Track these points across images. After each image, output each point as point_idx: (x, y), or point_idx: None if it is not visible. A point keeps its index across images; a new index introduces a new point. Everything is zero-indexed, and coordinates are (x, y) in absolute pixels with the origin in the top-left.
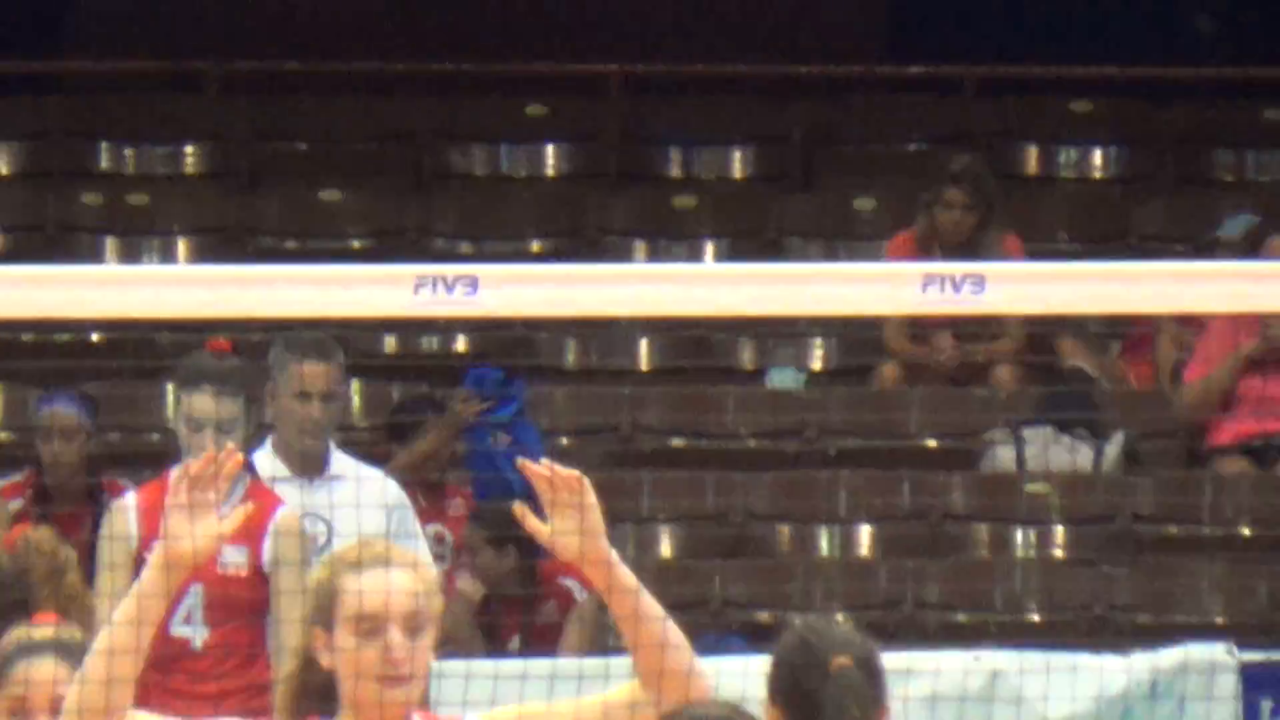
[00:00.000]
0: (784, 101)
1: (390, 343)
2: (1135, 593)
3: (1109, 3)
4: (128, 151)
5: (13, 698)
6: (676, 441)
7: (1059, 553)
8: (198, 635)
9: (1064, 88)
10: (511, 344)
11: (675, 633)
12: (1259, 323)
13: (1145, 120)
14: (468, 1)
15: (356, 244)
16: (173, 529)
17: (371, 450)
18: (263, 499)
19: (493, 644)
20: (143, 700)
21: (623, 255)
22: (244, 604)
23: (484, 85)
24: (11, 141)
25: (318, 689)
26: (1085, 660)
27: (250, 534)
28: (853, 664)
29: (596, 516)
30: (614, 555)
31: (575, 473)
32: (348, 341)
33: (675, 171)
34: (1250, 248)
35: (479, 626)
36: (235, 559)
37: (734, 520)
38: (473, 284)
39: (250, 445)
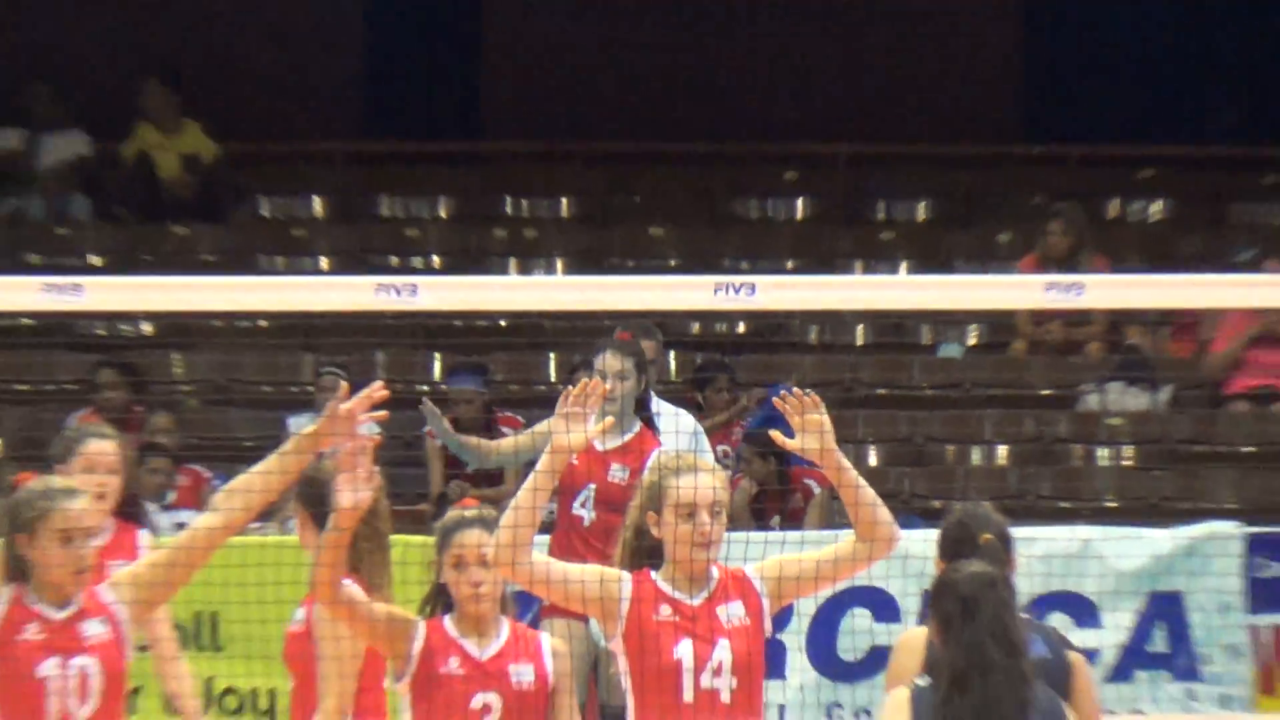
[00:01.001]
0: (951, 168)
1: (695, 326)
2: (1176, 489)
3: (1168, 101)
4: (524, 202)
5: (454, 555)
6: (880, 391)
7: (1127, 463)
8: (587, 516)
9: (1132, 161)
10: (774, 328)
11: (882, 509)
12: (1260, 314)
13: (1187, 182)
14: (748, 102)
15: (672, 263)
16: (556, 427)
17: (682, 396)
18: (645, 437)
19: (760, 522)
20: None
21: (845, 271)
22: (619, 501)
23: (756, 158)
24: (446, 196)
25: (647, 551)
26: (1144, 532)
27: (632, 457)
28: (993, 536)
29: (830, 433)
30: (843, 459)
31: (814, 395)
32: (665, 326)
33: (880, 216)
34: (1254, 268)
35: (752, 511)
36: (620, 473)
37: (916, 442)
38: (751, 289)
39: (640, 394)
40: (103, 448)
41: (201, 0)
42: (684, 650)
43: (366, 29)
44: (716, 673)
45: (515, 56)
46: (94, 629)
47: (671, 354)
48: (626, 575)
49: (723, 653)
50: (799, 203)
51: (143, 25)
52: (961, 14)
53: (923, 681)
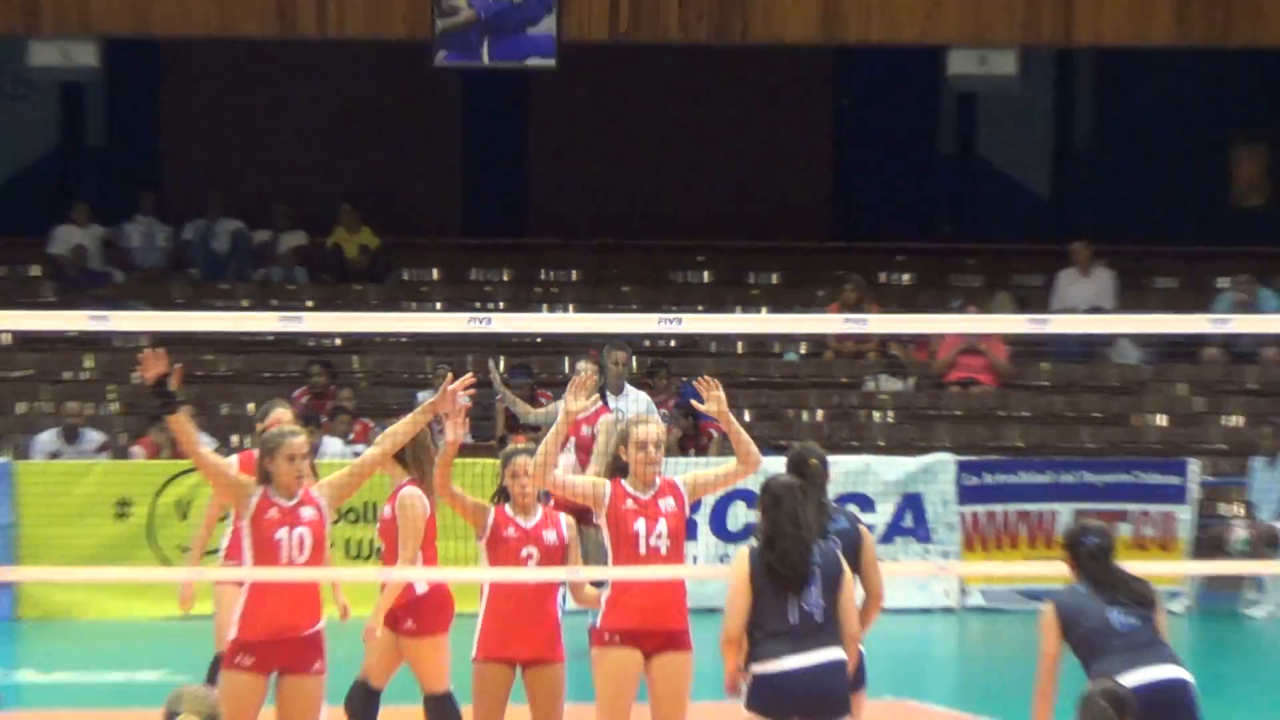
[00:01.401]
0: (790, 253)
1: (648, 343)
2: (918, 435)
3: (912, 207)
4: (551, 273)
5: (511, 470)
6: (751, 379)
7: (890, 420)
8: (563, 463)
9: (894, 250)
10: (693, 343)
11: (753, 446)
12: (964, 338)
13: (921, 263)
14: (668, 207)
15: (634, 307)
16: (567, 402)
17: (641, 382)
18: (601, 410)
19: (683, 454)
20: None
21: (732, 312)
22: (586, 445)
23: (679, 249)
24: (507, 269)
25: (620, 469)
26: (899, 460)
27: (592, 419)
28: (817, 461)
29: (724, 401)
30: (731, 417)
31: (714, 380)
32: (632, 343)
33: (750, 281)
34: (961, 311)
35: (680, 448)
36: (586, 430)
37: (771, 408)
38: (679, 321)
39: (601, 385)
40: (280, 414)
41: (370, 152)
42: (640, 525)
43: (462, 165)
44: (659, 537)
45: (549, 177)
46: (308, 513)
47: (634, 358)
48: (607, 482)
49: (662, 526)
50: (704, 274)
51: (338, 166)
52: (788, 140)
53: (754, 543)
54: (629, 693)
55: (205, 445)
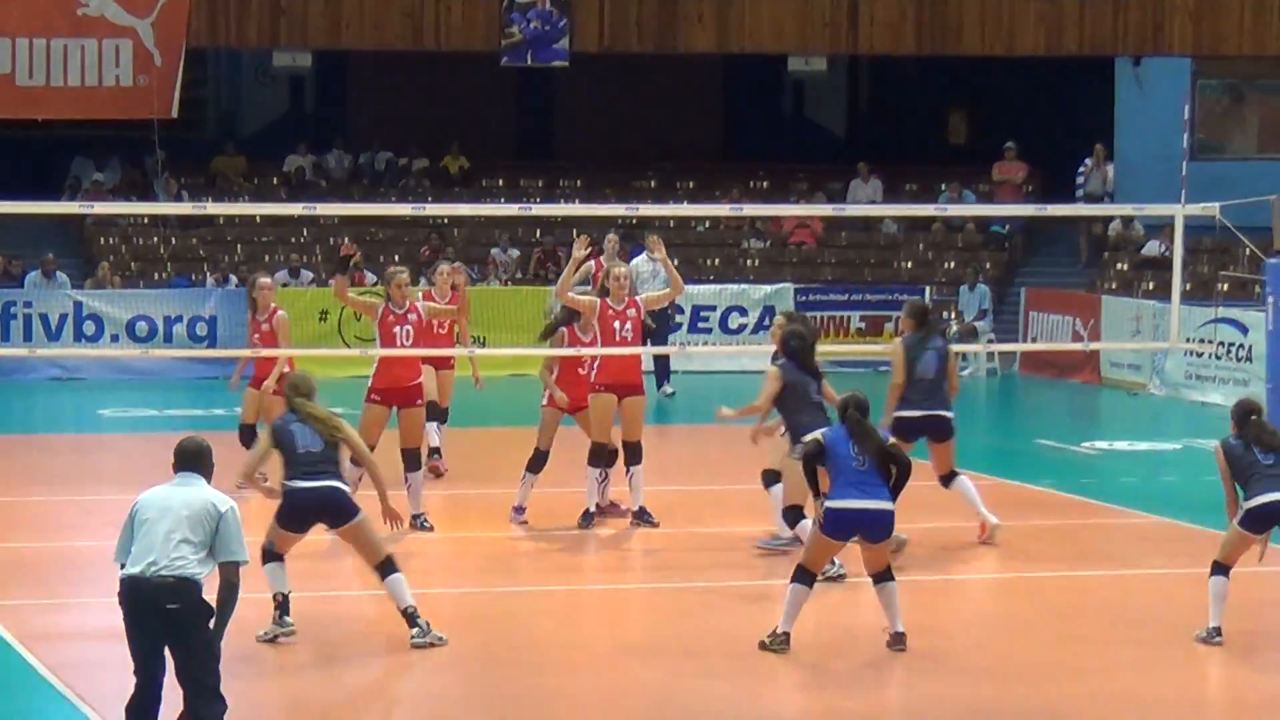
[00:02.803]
0: (681, 174)
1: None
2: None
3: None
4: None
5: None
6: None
7: None
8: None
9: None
10: (649, 223)
11: (678, 277)
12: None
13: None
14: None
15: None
16: (576, 252)
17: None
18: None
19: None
20: None
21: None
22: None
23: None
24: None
25: (605, 291)
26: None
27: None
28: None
29: (664, 252)
30: (668, 260)
31: (656, 239)
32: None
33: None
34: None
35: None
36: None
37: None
38: (636, 210)
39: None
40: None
41: (462, 112)
42: (616, 322)
43: (515, 121)
44: (627, 330)
45: (566, 128)
46: (411, 316)
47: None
48: (598, 299)
49: (629, 324)
50: (651, 182)
51: (446, 122)
52: (699, 109)
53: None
54: (610, 418)
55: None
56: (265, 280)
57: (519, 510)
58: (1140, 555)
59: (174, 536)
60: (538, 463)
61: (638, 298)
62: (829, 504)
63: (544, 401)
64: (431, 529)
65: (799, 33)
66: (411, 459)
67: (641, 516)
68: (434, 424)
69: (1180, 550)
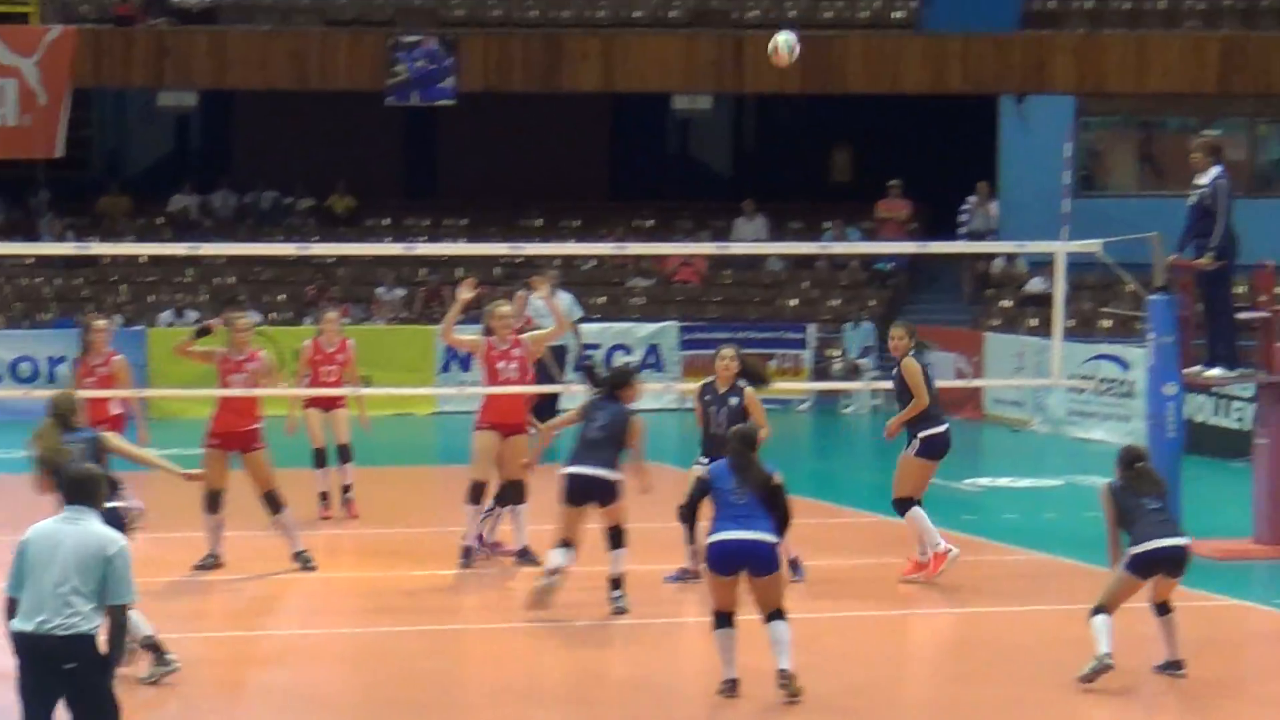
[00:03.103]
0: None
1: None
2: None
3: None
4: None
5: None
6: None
7: None
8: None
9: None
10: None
11: (563, 318)
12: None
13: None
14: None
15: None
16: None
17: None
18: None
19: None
20: None
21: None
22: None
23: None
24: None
25: (490, 330)
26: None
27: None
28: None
29: (548, 290)
30: (554, 301)
31: (539, 275)
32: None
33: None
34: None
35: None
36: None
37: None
38: (523, 250)
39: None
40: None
41: (350, 153)
42: (500, 362)
43: (404, 158)
44: (511, 368)
45: (449, 165)
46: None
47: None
48: (483, 339)
49: (514, 362)
50: (538, 220)
51: (334, 161)
52: (584, 146)
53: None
54: (490, 455)
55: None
56: (100, 323)
57: (479, 542)
58: (1022, 592)
59: (63, 589)
60: (475, 493)
61: (524, 338)
62: (709, 538)
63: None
64: (315, 568)
65: (684, 71)
66: (271, 501)
67: (524, 556)
68: (347, 465)
69: (1062, 587)
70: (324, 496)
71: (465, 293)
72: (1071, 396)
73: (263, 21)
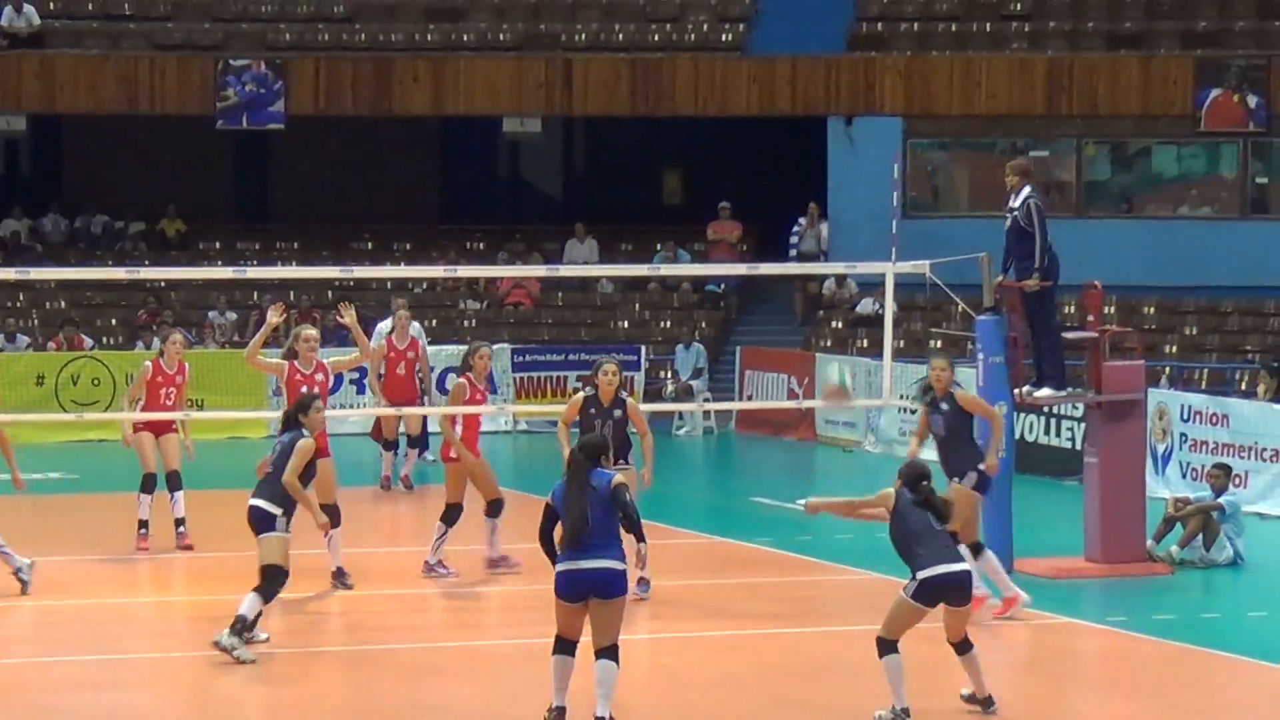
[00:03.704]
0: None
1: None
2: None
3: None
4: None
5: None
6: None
7: None
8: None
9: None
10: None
11: (368, 345)
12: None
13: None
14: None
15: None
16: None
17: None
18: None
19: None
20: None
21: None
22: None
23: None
24: None
25: (292, 353)
26: None
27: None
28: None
29: (354, 319)
30: (358, 328)
31: (345, 301)
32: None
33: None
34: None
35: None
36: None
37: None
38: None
39: None
40: (309, 334)
41: (180, 175)
42: (304, 387)
43: (235, 180)
44: (318, 386)
45: (280, 188)
46: (319, 376)
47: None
48: (286, 362)
49: (316, 387)
50: (368, 243)
51: (165, 183)
52: (417, 169)
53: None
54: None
55: None
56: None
57: (434, 564)
58: (855, 611)
59: None
60: (452, 515)
61: (327, 361)
62: (558, 566)
63: (451, 455)
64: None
65: (514, 94)
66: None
67: (338, 577)
68: (178, 494)
69: (887, 606)
70: (143, 525)
71: (273, 317)
72: (903, 417)
73: (91, 45)
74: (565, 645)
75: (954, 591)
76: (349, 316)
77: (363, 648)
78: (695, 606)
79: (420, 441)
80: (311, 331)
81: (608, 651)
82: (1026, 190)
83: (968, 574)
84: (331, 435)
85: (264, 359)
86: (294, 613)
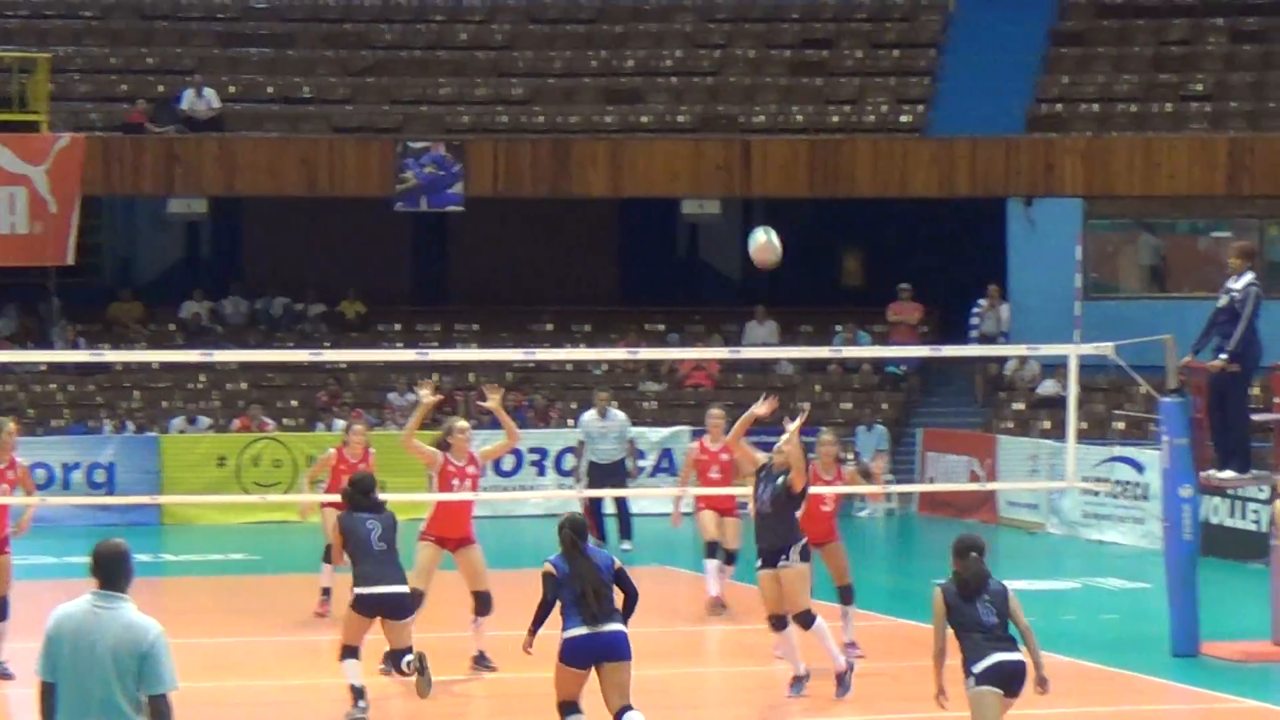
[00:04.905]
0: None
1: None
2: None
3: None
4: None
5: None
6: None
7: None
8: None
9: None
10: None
11: (516, 430)
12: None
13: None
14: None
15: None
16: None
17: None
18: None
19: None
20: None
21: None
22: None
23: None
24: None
25: (444, 444)
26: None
27: None
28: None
29: (498, 401)
30: (504, 412)
31: (492, 384)
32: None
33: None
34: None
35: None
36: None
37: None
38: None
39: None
40: (462, 426)
41: (360, 259)
42: (455, 479)
43: (412, 265)
44: (465, 485)
45: (460, 271)
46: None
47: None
48: (439, 453)
49: (468, 479)
50: (548, 325)
51: (343, 266)
52: (595, 252)
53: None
54: (433, 568)
55: None
56: (10, 426)
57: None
58: (1033, 696)
59: (111, 702)
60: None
61: (476, 451)
62: (564, 634)
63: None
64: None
65: (692, 176)
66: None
67: (480, 661)
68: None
69: (1074, 689)
70: (326, 592)
71: (428, 397)
72: (1085, 499)
73: (271, 129)
74: (573, 707)
75: (1012, 680)
76: (494, 400)
77: None
78: (887, 690)
79: (623, 530)
80: (465, 423)
81: (628, 709)
82: (1250, 276)
83: (1022, 663)
84: (511, 516)
85: (420, 444)
86: (443, 693)
